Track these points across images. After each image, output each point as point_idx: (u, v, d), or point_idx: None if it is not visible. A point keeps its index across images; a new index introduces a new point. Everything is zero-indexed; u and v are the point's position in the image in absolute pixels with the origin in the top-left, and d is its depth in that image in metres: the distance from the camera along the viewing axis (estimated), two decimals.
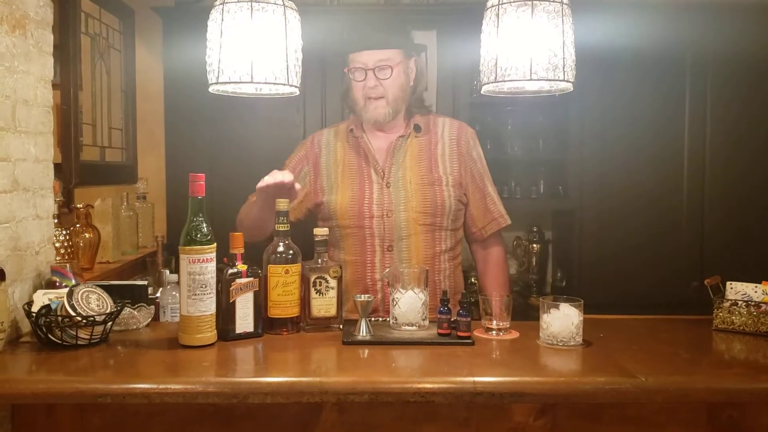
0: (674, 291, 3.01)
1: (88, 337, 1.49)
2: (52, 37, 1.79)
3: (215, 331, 1.53)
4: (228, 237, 1.59)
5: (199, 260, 1.50)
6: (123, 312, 1.61)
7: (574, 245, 3.13)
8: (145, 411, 1.37)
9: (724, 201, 3.05)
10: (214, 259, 1.53)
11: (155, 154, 3.16)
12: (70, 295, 1.51)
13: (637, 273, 3.05)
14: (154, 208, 2.99)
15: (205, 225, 1.52)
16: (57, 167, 1.93)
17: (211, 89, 1.59)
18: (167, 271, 2.00)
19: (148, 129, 3.20)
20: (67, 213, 2.36)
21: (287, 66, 1.52)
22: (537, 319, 1.57)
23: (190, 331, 1.50)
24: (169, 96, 3.07)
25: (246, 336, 1.58)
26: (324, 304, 1.66)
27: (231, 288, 1.56)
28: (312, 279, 1.66)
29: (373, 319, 1.69)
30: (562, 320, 1.53)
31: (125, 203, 2.71)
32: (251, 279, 1.58)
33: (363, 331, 1.59)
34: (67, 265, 1.73)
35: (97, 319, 1.49)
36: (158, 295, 1.91)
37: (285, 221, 1.66)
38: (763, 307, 1.63)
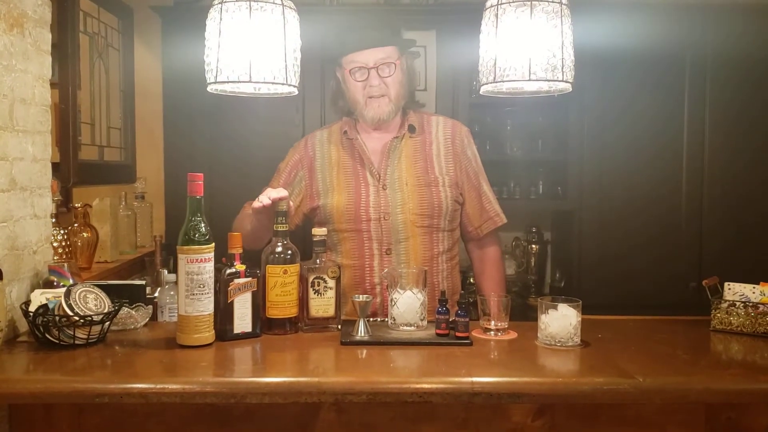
0: (673, 292, 3.02)
1: (85, 336, 1.49)
2: (50, 35, 1.79)
3: (213, 331, 1.53)
4: (227, 237, 1.59)
5: (197, 260, 1.50)
6: (121, 312, 1.60)
7: (573, 246, 3.12)
8: (143, 411, 1.37)
9: (723, 202, 3.05)
10: (213, 259, 1.53)
11: (154, 153, 3.16)
12: (67, 294, 1.50)
13: (636, 274, 3.05)
14: (152, 208, 2.99)
15: (203, 225, 1.51)
16: (55, 166, 1.93)
17: (209, 89, 1.59)
18: (165, 271, 2.00)
19: (147, 128, 3.20)
20: (65, 212, 2.36)
21: (286, 65, 1.52)
22: (536, 319, 1.57)
23: (188, 331, 1.50)
24: (168, 95, 3.07)
25: (244, 336, 1.57)
26: (322, 305, 1.66)
27: (229, 288, 1.56)
28: (310, 279, 1.65)
29: (371, 319, 1.69)
30: (561, 321, 1.52)
31: (124, 203, 2.71)
32: (249, 279, 1.58)
33: (361, 332, 1.59)
34: (65, 264, 1.73)
35: (95, 318, 1.49)
36: (156, 294, 1.91)
37: (284, 221, 1.66)
38: (761, 308, 1.63)
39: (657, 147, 3.05)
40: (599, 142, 3.05)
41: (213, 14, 1.52)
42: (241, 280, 1.57)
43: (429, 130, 1.97)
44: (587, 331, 1.56)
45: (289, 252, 1.64)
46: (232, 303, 1.56)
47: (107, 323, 1.53)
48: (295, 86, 1.57)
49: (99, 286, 1.60)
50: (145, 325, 1.68)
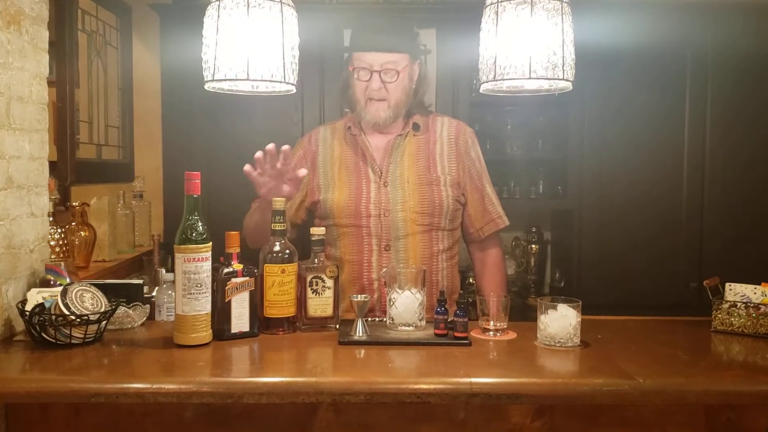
0: (673, 292, 3.01)
1: (82, 336, 1.48)
2: (47, 33, 1.78)
3: (210, 331, 1.52)
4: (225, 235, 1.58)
5: (194, 259, 1.49)
6: (118, 311, 1.59)
7: (573, 245, 3.12)
8: (141, 410, 1.36)
9: (724, 201, 3.04)
10: (210, 258, 1.52)
11: (152, 151, 3.15)
12: (63, 293, 1.49)
13: (636, 273, 3.04)
14: (151, 207, 2.98)
15: (200, 224, 1.50)
16: (53, 165, 1.93)
17: (206, 87, 1.58)
18: (163, 270, 1.99)
19: (145, 127, 3.19)
20: (63, 211, 2.35)
21: (284, 63, 1.51)
22: (535, 319, 1.56)
23: (185, 331, 1.49)
24: (166, 93, 3.05)
25: (242, 336, 1.56)
26: (320, 304, 1.65)
27: (227, 287, 1.55)
28: (308, 278, 1.65)
29: (369, 319, 1.68)
30: (560, 321, 1.52)
31: (122, 201, 2.70)
32: (247, 278, 1.57)
33: (359, 331, 1.58)
34: (62, 263, 1.72)
35: (91, 318, 1.48)
36: (154, 293, 1.90)
37: (281, 220, 1.65)
38: (763, 308, 1.62)
39: (657, 146, 3.04)
40: (600, 141, 3.04)
41: (210, 11, 1.51)
42: (239, 280, 1.56)
43: (433, 130, 1.97)
44: (587, 332, 1.55)
45: (287, 251, 1.63)
46: (229, 302, 1.55)
47: (104, 322, 1.52)
48: (293, 84, 1.56)
49: (96, 285, 1.59)
50: (143, 324, 1.67)
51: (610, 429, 1.38)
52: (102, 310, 1.52)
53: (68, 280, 1.67)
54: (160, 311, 1.88)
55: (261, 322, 1.61)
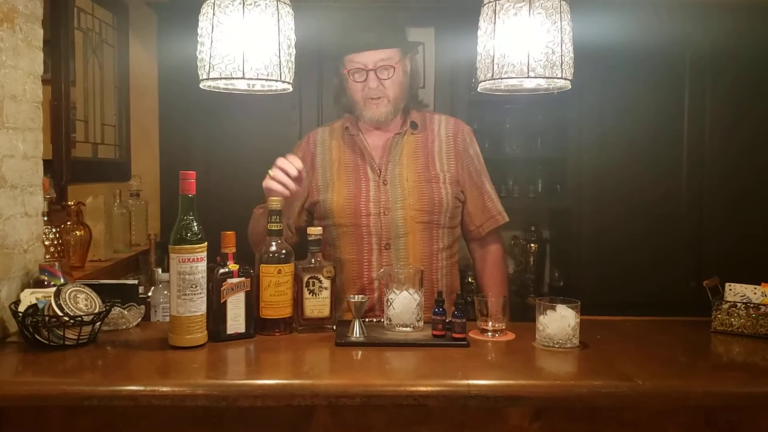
0: (672, 292, 3.00)
1: (75, 337, 1.47)
2: (41, 31, 1.76)
3: (206, 332, 1.51)
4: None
5: (189, 260, 1.47)
6: (112, 312, 1.58)
7: (572, 245, 3.11)
8: (135, 412, 1.35)
9: (724, 201, 3.03)
10: (205, 259, 1.50)
11: (149, 150, 3.13)
12: (57, 294, 1.48)
13: (635, 273, 3.04)
14: (147, 206, 2.96)
15: (195, 224, 1.49)
16: (48, 164, 1.91)
17: (202, 85, 1.56)
18: (159, 270, 1.97)
19: (142, 125, 3.17)
20: (59, 210, 2.34)
21: (280, 62, 1.49)
22: (534, 319, 1.55)
23: (180, 332, 1.47)
24: (163, 92, 3.04)
25: (237, 337, 1.55)
26: (317, 305, 1.63)
27: (222, 288, 1.54)
28: (305, 279, 1.63)
29: (367, 320, 1.67)
30: (559, 322, 1.50)
31: (118, 201, 2.69)
32: (243, 279, 1.56)
33: (356, 333, 1.56)
34: (56, 263, 1.70)
35: (85, 319, 1.47)
36: (150, 294, 1.89)
37: (277, 220, 1.63)
38: (763, 309, 1.61)
39: (657, 145, 3.03)
40: (598, 140, 3.03)
41: (206, 9, 1.49)
42: (235, 280, 1.55)
43: (431, 128, 1.96)
44: (586, 332, 1.54)
45: (284, 251, 1.62)
46: (225, 303, 1.54)
47: (98, 324, 1.51)
48: (289, 83, 1.55)
49: (90, 286, 1.57)
50: (138, 325, 1.66)
51: (608, 431, 1.37)
52: (96, 311, 1.50)
53: (62, 281, 1.65)
54: (155, 312, 1.87)
55: (257, 323, 1.59)
